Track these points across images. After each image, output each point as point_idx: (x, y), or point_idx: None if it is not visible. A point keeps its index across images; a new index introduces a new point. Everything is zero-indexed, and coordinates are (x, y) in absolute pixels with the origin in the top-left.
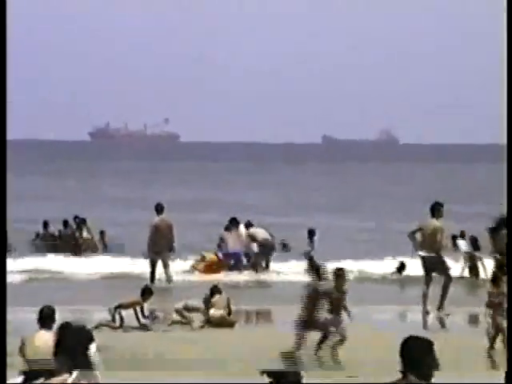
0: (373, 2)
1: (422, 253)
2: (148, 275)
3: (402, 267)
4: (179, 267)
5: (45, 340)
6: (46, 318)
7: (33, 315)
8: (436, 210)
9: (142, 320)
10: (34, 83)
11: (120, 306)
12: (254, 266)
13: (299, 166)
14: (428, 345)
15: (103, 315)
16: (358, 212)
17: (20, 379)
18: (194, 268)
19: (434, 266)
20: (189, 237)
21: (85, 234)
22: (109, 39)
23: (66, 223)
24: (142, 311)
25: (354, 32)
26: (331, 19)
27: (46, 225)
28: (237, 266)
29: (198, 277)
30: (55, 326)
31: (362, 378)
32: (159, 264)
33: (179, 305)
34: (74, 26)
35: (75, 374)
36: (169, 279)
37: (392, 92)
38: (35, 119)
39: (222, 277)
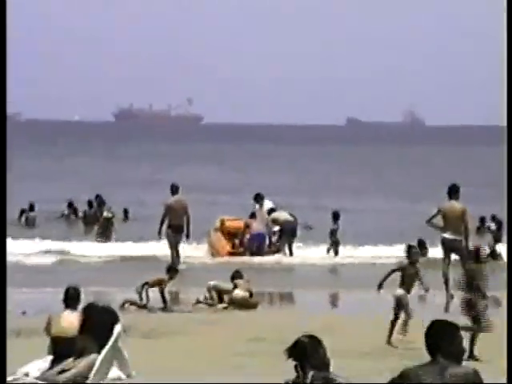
0: None
1: (446, 235)
2: (169, 256)
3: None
4: (202, 248)
5: (70, 320)
6: (71, 299)
7: (57, 296)
8: (453, 192)
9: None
10: (58, 65)
11: (147, 284)
12: (276, 250)
13: (323, 147)
14: (454, 328)
15: (127, 295)
16: (382, 195)
17: (49, 359)
18: (212, 244)
19: (457, 248)
20: (209, 217)
21: (105, 213)
22: (132, 24)
23: (90, 203)
24: (163, 293)
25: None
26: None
27: (70, 205)
28: (259, 250)
29: (221, 259)
30: (80, 306)
31: (390, 362)
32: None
33: (211, 284)
34: (98, 12)
35: (103, 355)
36: (178, 259)
37: (417, 73)
38: (60, 100)
39: (245, 259)
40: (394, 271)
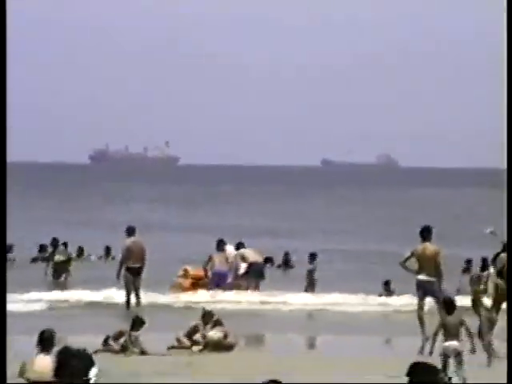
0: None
1: (420, 277)
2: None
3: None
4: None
5: (45, 364)
6: (46, 342)
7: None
8: (426, 233)
9: (134, 349)
10: (32, 106)
11: (107, 339)
12: (239, 286)
13: (298, 188)
14: (434, 370)
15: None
16: (355, 236)
17: None
18: (178, 285)
19: (431, 290)
20: (182, 254)
21: (57, 256)
22: (110, 59)
23: (41, 247)
24: (131, 340)
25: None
26: (332, 32)
27: (41, 248)
28: (220, 285)
29: (188, 295)
30: (55, 350)
31: None
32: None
33: (180, 333)
34: (76, 43)
35: None
36: (138, 303)
37: (391, 115)
38: (34, 142)
39: (209, 297)
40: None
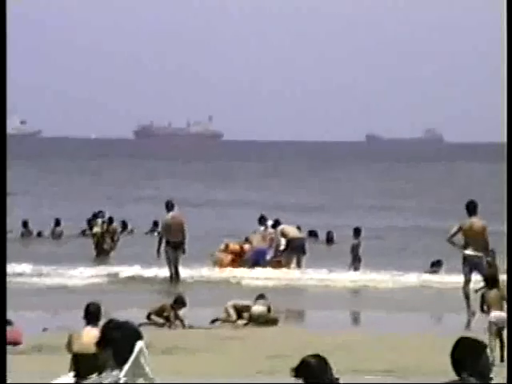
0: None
1: (468, 252)
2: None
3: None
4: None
5: (92, 336)
6: (92, 315)
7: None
8: (472, 208)
9: (177, 322)
10: (77, 82)
11: (150, 315)
12: (281, 264)
13: (343, 165)
14: (480, 345)
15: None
16: (401, 211)
17: (71, 375)
18: (218, 260)
19: (479, 265)
20: (224, 229)
21: (95, 229)
22: (153, 38)
23: (89, 221)
24: (176, 315)
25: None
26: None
27: (89, 222)
28: (259, 262)
29: (224, 272)
30: (101, 322)
31: (414, 380)
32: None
33: (230, 303)
34: (121, 29)
35: (125, 370)
36: (177, 277)
37: (437, 89)
38: (82, 117)
39: (247, 272)
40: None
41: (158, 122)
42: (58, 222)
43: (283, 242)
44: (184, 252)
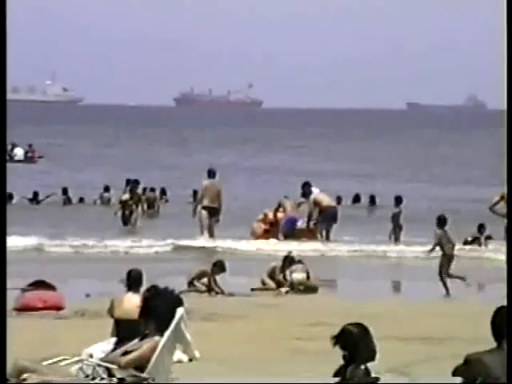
0: None
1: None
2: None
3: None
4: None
5: (133, 302)
6: (134, 281)
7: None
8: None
9: (217, 289)
10: (114, 48)
11: (192, 281)
12: (314, 233)
13: (384, 133)
14: None
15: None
16: (439, 180)
17: (112, 341)
18: (252, 230)
19: None
20: (265, 197)
21: (125, 196)
22: (192, 4)
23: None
24: (215, 282)
25: None
26: None
27: (107, 189)
28: (292, 231)
29: (255, 244)
30: (142, 289)
31: (453, 348)
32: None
33: (263, 275)
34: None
35: (166, 336)
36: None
37: (478, 55)
38: (123, 85)
39: (277, 245)
40: None
41: (199, 89)
42: (107, 188)
43: (316, 211)
44: (218, 221)
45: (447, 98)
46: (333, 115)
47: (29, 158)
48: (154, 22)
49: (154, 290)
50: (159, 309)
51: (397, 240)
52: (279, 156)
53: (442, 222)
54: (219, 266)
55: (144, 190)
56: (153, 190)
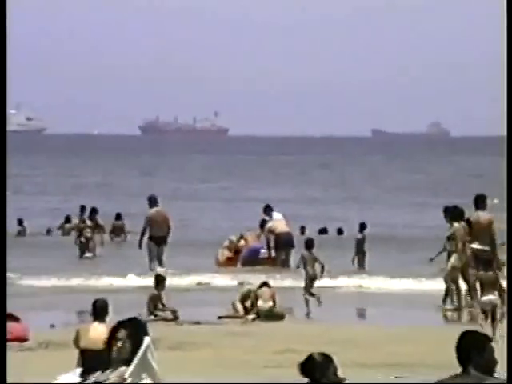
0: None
1: (474, 246)
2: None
3: None
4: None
5: (99, 332)
6: (99, 310)
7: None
8: (480, 202)
9: (162, 314)
10: (78, 76)
11: (152, 310)
12: (275, 261)
13: (349, 159)
14: (485, 339)
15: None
16: (408, 206)
17: (77, 371)
18: (217, 258)
19: (485, 260)
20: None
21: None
22: (158, 33)
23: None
24: (162, 303)
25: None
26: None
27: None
28: (254, 260)
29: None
30: (108, 318)
31: (420, 374)
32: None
33: (235, 299)
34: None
35: (132, 367)
36: (157, 269)
37: (441, 83)
38: (87, 115)
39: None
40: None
41: (164, 117)
42: (68, 219)
43: (272, 238)
44: (166, 244)
45: (411, 126)
46: (299, 142)
47: None
48: (116, 47)
49: (133, 321)
50: (126, 339)
51: (361, 266)
52: (244, 184)
53: (308, 244)
54: (161, 279)
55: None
56: (119, 216)
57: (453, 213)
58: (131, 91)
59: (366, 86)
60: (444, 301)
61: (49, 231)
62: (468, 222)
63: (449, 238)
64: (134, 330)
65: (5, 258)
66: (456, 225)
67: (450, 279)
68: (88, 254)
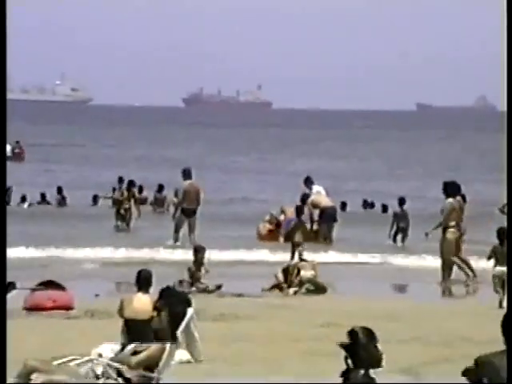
0: None
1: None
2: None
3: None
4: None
5: (143, 302)
6: (143, 281)
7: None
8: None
9: (202, 286)
10: (124, 48)
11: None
12: (317, 234)
13: (394, 133)
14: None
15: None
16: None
17: (121, 340)
18: (257, 231)
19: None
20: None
21: (116, 194)
22: (200, 4)
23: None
24: (198, 276)
25: None
26: None
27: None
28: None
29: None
30: (152, 289)
31: (463, 349)
32: (185, 226)
33: (277, 271)
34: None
35: (178, 334)
36: (192, 242)
37: (486, 56)
38: (135, 86)
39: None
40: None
41: (208, 90)
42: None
43: (316, 212)
44: (195, 216)
45: (457, 99)
46: (343, 116)
47: (16, 155)
48: (160, 24)
49: (166, 291)
50: (171, 309)
51: (403, 241)
52: (284, 156)
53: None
54: (200, 249)
55: (140, 188)
56: (161, 188)
57: (450, 188)
58: (175, 64)
59: (412, 61)
60: (443, 277)
61: (95, 199)
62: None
63: (443, 213)
64: (169, 299)
65: (5, 259)
66: (450, 200)
67: (445, 254)
68: (123, 226)
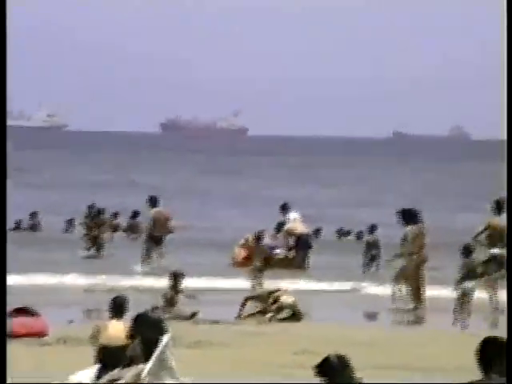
0: None
1: (495, 250)
2: None
3: None
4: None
5: (117, 329)
6: (118, 308)
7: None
8: (500, 207)
9: (177, 312)
10: (99, 74)
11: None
12: (291, 261)
13: (369, 160)
14: (506, 345)
15: None
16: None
17: (96, 367)
18: (233, 255)
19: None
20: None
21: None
22: (182, 36)
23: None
24: (175, 301)
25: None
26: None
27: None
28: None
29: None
30: (126, 316)
31: (439, 379)
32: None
33: (251, 294)
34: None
35: (150, 364)
36: (162, 268)
37: (463, 85)
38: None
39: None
40: None
41: (185, 116)
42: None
43: (292, 239)
44: (162, 243)
45: (432, 129)
46: (317, 143)
47: None
48: (138, 46)
49: (141, 318)
50: (146, 336)
51: (372, 269)
52: (260, 184)
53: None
54: (178, 275)
55: (115, 214)
56: (135, 214)
57: (408, 215)
58: (151, 90)
59: (386, 87)
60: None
61: (70, 224)
62: (488, 227)
63: (402, 241)
64: (142, 326)
65: (5, 258)
66: (409, 228)
67: (398, 281)
68: (91, 252)
